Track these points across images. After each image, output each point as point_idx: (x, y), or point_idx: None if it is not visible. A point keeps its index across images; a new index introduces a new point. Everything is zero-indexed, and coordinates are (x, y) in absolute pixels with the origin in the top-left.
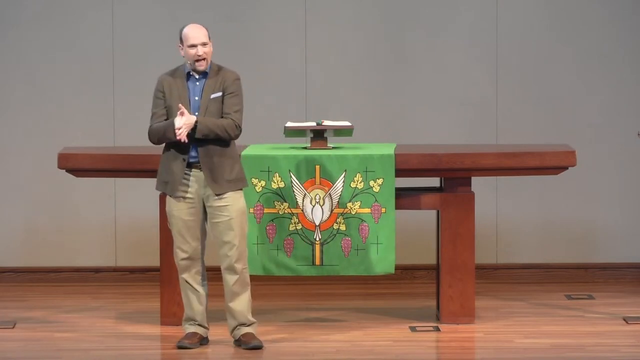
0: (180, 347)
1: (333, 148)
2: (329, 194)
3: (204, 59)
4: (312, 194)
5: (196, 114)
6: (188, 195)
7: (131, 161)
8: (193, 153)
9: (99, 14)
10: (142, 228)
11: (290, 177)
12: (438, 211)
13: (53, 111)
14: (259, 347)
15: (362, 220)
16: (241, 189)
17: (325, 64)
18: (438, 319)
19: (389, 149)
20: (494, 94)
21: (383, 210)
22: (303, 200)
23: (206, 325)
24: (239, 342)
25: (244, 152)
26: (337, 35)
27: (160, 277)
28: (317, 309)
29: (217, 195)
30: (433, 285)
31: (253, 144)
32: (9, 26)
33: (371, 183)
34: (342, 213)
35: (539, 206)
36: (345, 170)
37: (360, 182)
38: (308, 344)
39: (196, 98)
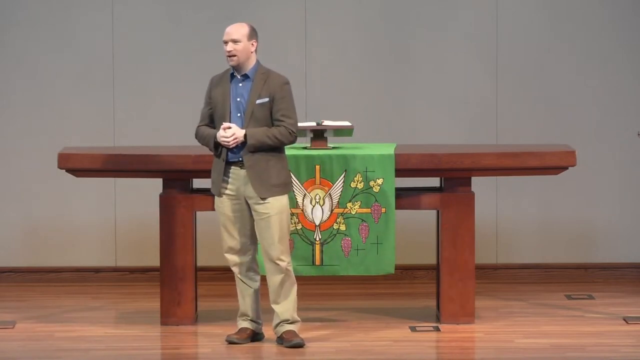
0: (229, 342)
1: (333, 148)
2: (329, 194)
3: (233, 56)
4: (312, 194)
5: (238, 115)
6: (230, 192)
7: (131, 161)
8: (232, 152)
9: (99, 14)
10: (142, 228)
11: (291, 177)
12: (438, 211)
13: (53, 111)
14: (300, 346)
15: (362, 220)
16: (286, 194)
17: (325, 64)
18: (438, 319)
19: (389, 149)
20: (494, 94)
21: (383, 210)
22: (303, 200)
23: (259, 321)
24: (281, 340)
25: None
26: (337, 35)
27: (160, 277)
28: (317, 309)
29: (262, 199)
30: (433, 285)
31: None
32: (9, 26)
33: (371, 183)
34: (342, 213)
35: (538, 206)
36: (345, 170)
37: (360, 182)
38: (308, 343)
39: (238, 99)
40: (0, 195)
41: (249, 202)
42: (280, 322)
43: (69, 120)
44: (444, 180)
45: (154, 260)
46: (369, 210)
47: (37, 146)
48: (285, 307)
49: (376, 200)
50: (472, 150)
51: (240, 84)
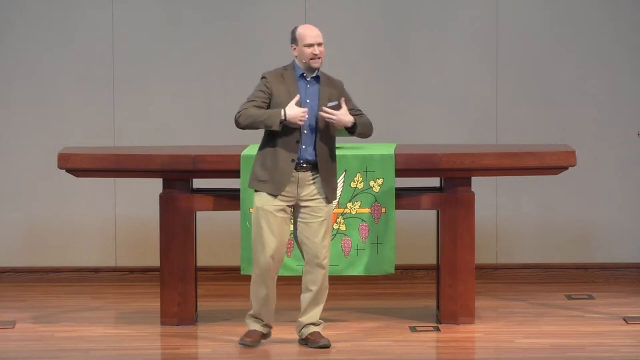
0: (243, 345)
1: None
2: None
3: (319, 58)
4: None
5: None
6: (287, 194)
7: (131, 161)
8: (303, 154)
9: (99, 13)
10: (142, 228)
11: None
12: (438, 211)
13: (53, 111)
14: (326, 347)
15: (362, 220)
16: None
17: (325, 64)
18: (438, 319)
19: (389, 149)
20: (494, 94)
21: (383, 210)
22: None
23: (271, 324)
24: (305, 341)
25: (243, 152)
26: (337, 35)
27: (160, 277)
28: None
29: (330, 201)
30: (433, 285)
31: (253, 144)
32: (9, 26)
33: (371, 183)
34: (342, 213)
35: (538, 206)
36: (345, 170)
37: (360, 182)
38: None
39: (308, 101)
40: (0, 195)
41: (305, 203)
42: (307, 325)
43: (69, 120)
44: (444, 180)
45: (154, 260)
46: (369, 210)
47: (37, 146)
48: (318, 310)
49: (376, 200)
50: (472, 150)
51: (308, 86)
